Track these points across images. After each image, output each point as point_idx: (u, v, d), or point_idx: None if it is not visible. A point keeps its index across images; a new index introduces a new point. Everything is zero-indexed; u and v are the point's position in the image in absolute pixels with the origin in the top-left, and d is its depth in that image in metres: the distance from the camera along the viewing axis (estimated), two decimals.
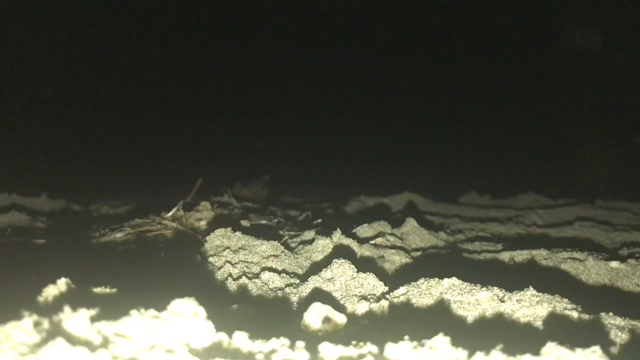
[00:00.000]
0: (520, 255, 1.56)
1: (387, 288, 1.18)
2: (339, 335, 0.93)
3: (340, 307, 1.10)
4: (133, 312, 0.67)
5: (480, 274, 1.24)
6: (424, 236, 1.79)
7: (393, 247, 1.62)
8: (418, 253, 1.65)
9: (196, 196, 2.45)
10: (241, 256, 1.41)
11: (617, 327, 0.95)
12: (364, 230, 1.74)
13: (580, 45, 5.07)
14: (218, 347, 0.70)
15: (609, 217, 2.40)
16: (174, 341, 0.66)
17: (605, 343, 0.89)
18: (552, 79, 5.59)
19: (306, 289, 1.22)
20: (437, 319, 1.04)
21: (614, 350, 0.88)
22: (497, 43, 5.84)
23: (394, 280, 1.31)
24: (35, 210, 2.24)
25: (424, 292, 1.10)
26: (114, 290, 0.83)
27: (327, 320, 0.95)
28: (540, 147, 5.41)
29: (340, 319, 0.96)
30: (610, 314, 0.98)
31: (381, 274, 1.27)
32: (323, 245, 1.49)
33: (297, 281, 1.30)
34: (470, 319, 1.02)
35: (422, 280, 1.14)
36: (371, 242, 1.62)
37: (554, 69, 5.55)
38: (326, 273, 1.24)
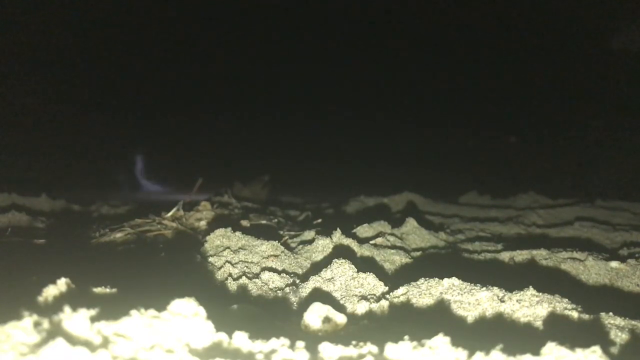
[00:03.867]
0: (520, 255, 1.56)
1: (387, 288, 1.18)
2: (339, 335, 0.93)
3: (340, 307, 1.10)
4: (133, 312, 0.67)
5: (480, 274, 1.24)
6: (424, 236, 1.79)
7: (393, 247, 1.62)
8: (418, 253, 1.65)
9: (196, 196, 2.45)
10: (241, 256, 1.41)
11: (617, 327, 0.95)
12: (364, 230, 1.74)
13: (581, 46, 5.07)
14: (218, 347, 0.70)
15: (609, 217, 2.40)
16: (174, 341, 0.66)
17: (605, 343, 0.89)
18: (552, 79, 5.59)
19: (306, 289, 1.22)
20: (437, 319, 1.04)
21: (614, 350, 0.88)
22: (497, 43, 5.84)
23: (394, 280, 1.31)
24: (35, 210, 2.24)
25: (424, 292, 1.10)
26: (114, 290, 0.83)
27: (327, 320, 0.95)
28: (540, 147, 5.41)
29: (340, 319, 0.96)
30: (610, 314, 0.98)
31: (381, 274, 1.27)
32: (323, 245, 1.49)
33: (297, 281, 1.30)
34: (470, 319, 1.02)
35: (422, 280, 1.14)
36: (371, 242, 1.62)
37: (554, 69, 5.55)
38: (326, 273, 1.24)
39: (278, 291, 1.25)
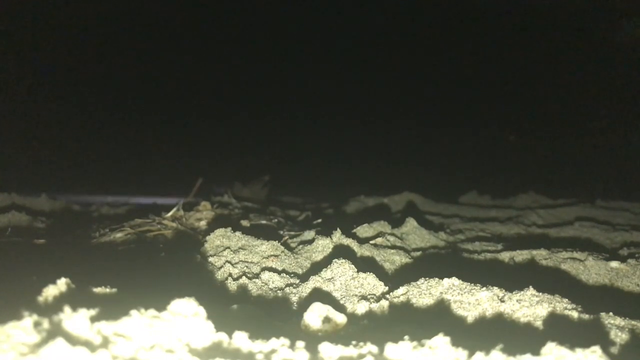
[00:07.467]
0: (520, 255, 1.56)
1: (387, 288, 1.18)
2: (339, 335, 0.93)
3: (340, 307, 1.10)
4: (133, 312, 0.67)
5: (480, 274, 1.24)
6: (424, 236, 1.79)
7: (393, 247, 1.62)
8: (418, 253, 1.65)
9: (196, 196, 2.45)
10: (241, 256, 1.41)
11: (617, 327, 0.95)
12: (364, 230, 1.74)
13: (580, 46, 5.08)
14: (218, 347, 0.70)
15: (609, 217, 2.40)
16: (174, 341, 0.66)
17: (605, 343, 0.89)
18: (551, 78, 5.59)
19: (306, 289, 1.22)
20: (437, 319, 1.04)
21: (614, 350, 0.88)
22: (497, 43, 5.84)
23: (394, 280, 1.31)
24: (35, 210, 2.23)
25: (424, 292, 1.10)
26: (114, 290, 0.83)
27: (327, 320, 0.95)
28: (540, 147, 5.41)
29: (340, 319, 0.96)
30: (610, 314, 0.98)
31: (381, 274, 1.27)
32: (323, 245, 1.49)
33: (297, 281, 1.30)
34: (470, 319, 1.02)
35: (422, 280, 1.14)
36: (371, 242, 1.62)
37: (553, 68, 5.55)
38: (326, 273, 1.24)
39: (278, 291, 1.25)
